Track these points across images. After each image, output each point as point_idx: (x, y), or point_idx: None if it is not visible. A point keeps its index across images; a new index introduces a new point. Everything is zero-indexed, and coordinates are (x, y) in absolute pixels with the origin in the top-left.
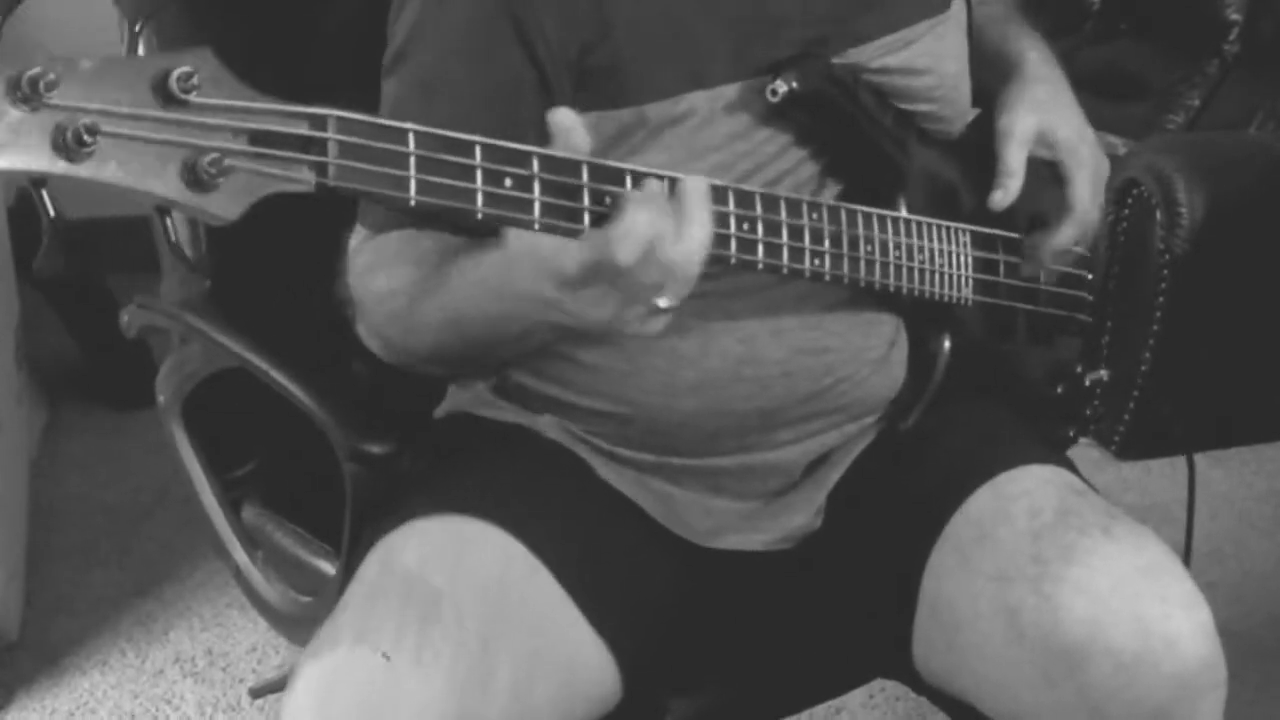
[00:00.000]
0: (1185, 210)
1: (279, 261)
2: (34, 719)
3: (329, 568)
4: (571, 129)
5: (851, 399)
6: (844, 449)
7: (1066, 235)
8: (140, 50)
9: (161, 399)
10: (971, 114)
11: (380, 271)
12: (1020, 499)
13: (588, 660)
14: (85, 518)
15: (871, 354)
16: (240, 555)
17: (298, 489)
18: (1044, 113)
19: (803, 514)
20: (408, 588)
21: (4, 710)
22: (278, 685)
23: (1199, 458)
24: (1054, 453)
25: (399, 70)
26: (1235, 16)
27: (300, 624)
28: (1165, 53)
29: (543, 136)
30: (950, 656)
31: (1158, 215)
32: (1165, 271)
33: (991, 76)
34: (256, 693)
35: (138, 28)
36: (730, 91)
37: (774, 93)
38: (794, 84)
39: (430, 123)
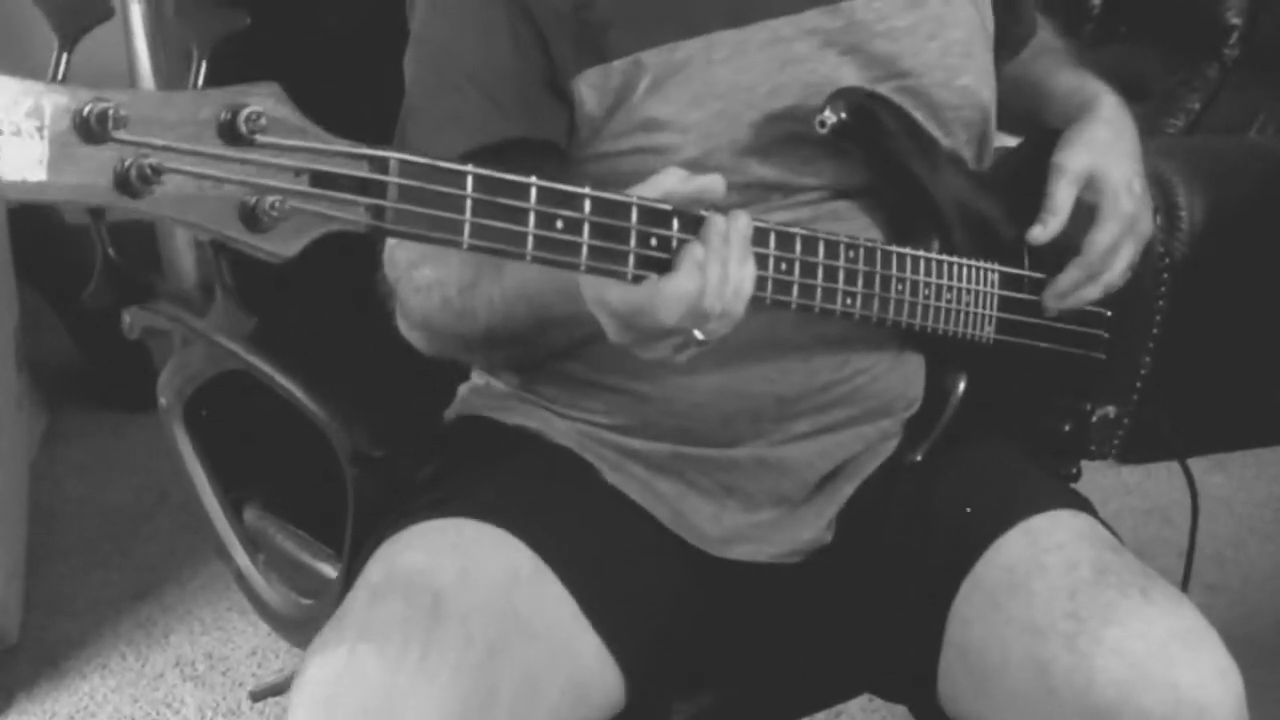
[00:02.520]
0: (1185, 214)
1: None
2: None
3: (330, 570)
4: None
5: (867, 393)
6: (856, 464)
7: (1068, 279)
8: (203, 76)
9: (163, 401)
10: (991, 113)
11: (425, 265)
12: (1055, 550)
13: (593, 667)
14: (85, 520)
15: (888, 348)
16: (241, 558)
17: (299, 491)
18: (1099, 154)
19: (813, 528)
20: (413, 590)
21: (4, 713)
22: (278, 689)
23: (1198, 462)
24: (1078, 497)
25: (413, 53)
26: (1235, 20)
27: (301, 627)
28: (1165, 56)
29: (549, 97)
30: (979, 701)
31: (1157, 219)
32: (1165, 275)
33: (1061, 113)
34: (257, 696)
35: (203, 60)
36: (729, 38)
37: (823, 124)
38: (842, 114)
39: (447, 98)
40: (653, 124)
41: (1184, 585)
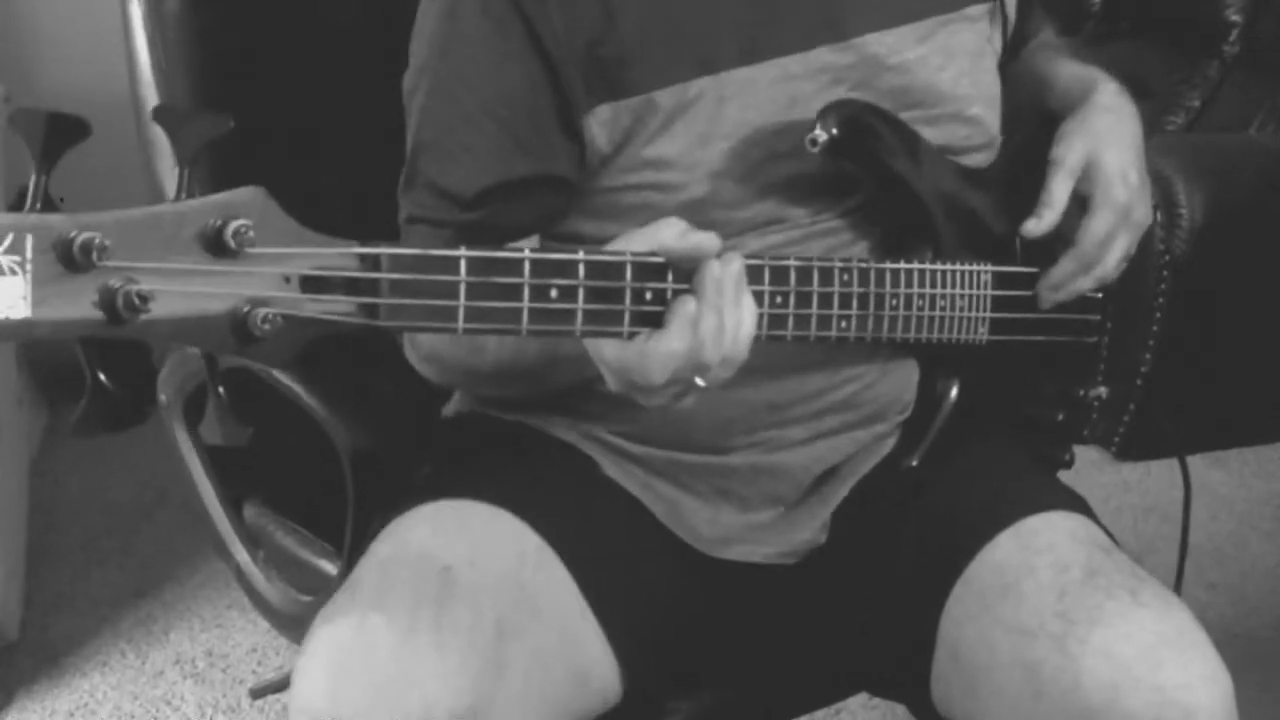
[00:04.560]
0: (1185, 211)
1: None
2: (34, 719)
3: (330, 568)
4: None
5: (861, 399)
6: (850, 465)
7: (1061, 271)
8: (186, 188)
9: (164, 398)
10: (997, 136)
11: None
12: (1046, 552)
13: (594, 654)
14: (85, 518)
15: (881, 355)
16: (241, 554)
17: (299, 488)
18: (1096, 143)
19: (808, 529)
20: (423, 564)
21: (4, 710)
22: (278, 686)
23: (1198, 459)
24: (1074, 497)
25: (422, 84)
26: (1235, 18)
27: (301, 624)
28: (1165, 54)
29: (560, 134)
30: (970, 702)
31: (1157, 216)
32: (1165, 273)
33: (1063, 101)
34: (257, 693)
35: (186, 170)
36: (739, 76)
37: (814, 142)
38: (833, 130)
39: (460, 131)
40: (660, 162)
41: (1178, 581)
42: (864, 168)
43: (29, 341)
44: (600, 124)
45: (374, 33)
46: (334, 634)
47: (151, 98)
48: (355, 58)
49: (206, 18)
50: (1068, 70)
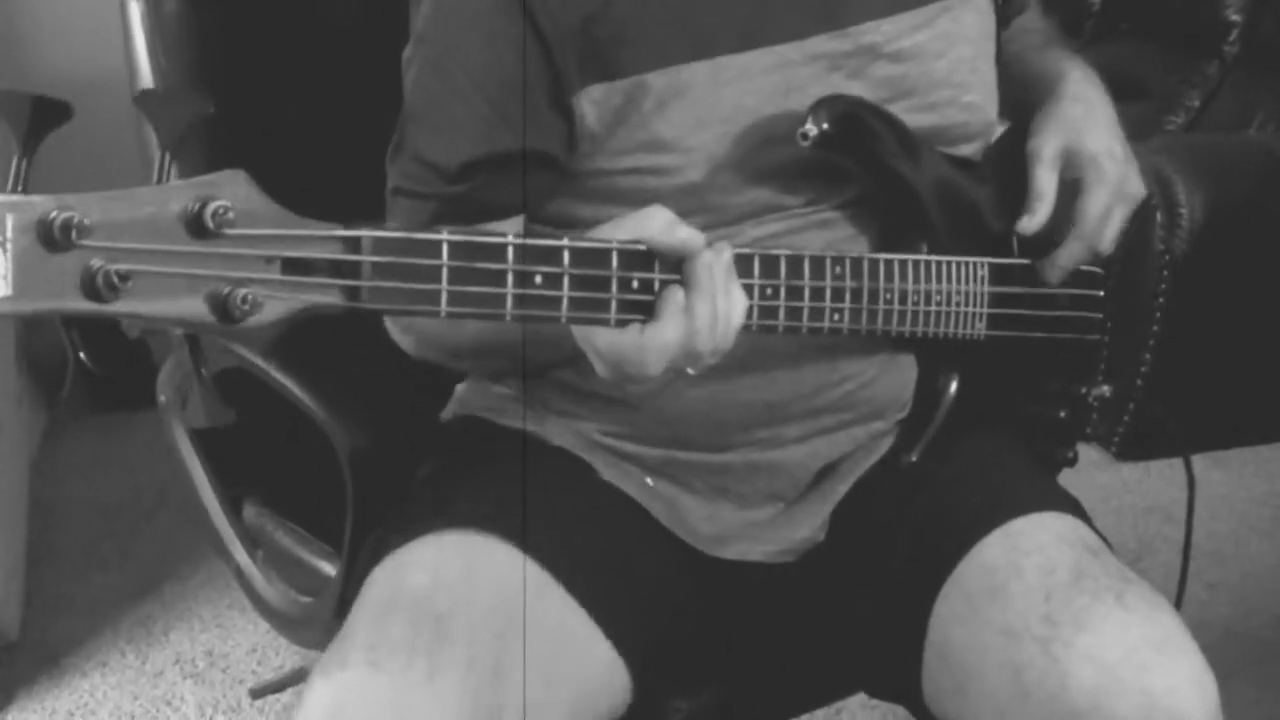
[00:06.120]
0: (1185, 211)
1: None
2: (34, 719)
3: (329, 568)
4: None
5: (858, 398)
6: (850, 462)
7: (1069, 252)
8: (170, 172)
9: (163, 399)
10: (1000, 126)
11: None
12: (1034, 553)
13: (601, 670)
14: (85, 518)
15: (879, 353)
16: (241, 555)
17: (298, 488)
18: (1072, 131)
19: (807, 528)
20: (418, 608)
21: (4, 711)
22: (278, 686)
23: (1198, 459)
24: (1066, 499)
25: (418, 53)
26: (1235, 18)
27: (301, 624)
28: (1165, 53)
29: (550, 110)
30: (959, 702)
31: (1158, 216)
32: (1165, 273)
33: (1033, 99)
34: (256, 693)
35: (167, 152)
36: (735, 62)
37: (805, 136)
38: (824, 125)
39: (449, 104)
40: (656, 144)
41: (1181, 581)
42: (857, 162)
43: (10, 320)
44: (591, 103)
45: (372, 32)
46: (330, 690)
47: None
48: (354, 57)
49: (206, 18)
50: (1034, 66)
